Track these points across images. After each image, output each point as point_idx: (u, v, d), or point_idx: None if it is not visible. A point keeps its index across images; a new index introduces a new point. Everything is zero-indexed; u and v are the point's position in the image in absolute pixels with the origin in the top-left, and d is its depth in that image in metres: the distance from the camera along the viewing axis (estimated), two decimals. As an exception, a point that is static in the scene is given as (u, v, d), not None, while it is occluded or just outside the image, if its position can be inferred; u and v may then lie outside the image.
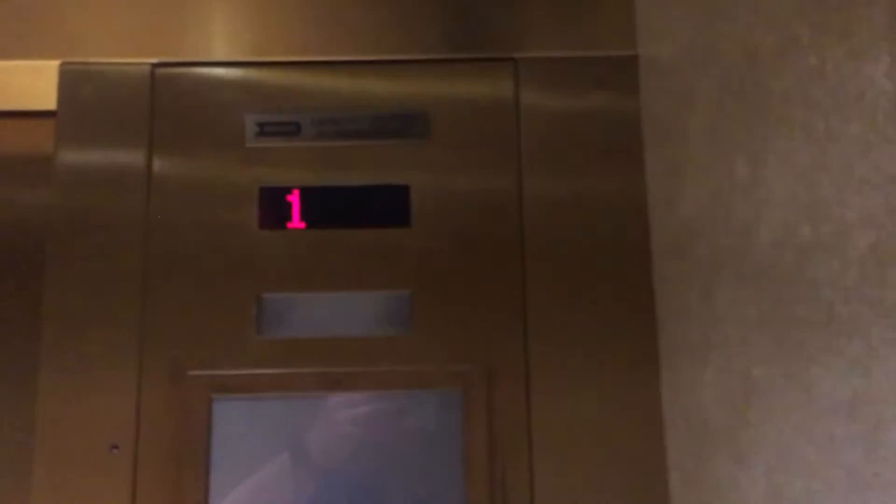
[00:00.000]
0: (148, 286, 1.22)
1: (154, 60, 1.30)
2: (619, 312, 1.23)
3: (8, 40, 1.30)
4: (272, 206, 1.25)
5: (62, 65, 1.30)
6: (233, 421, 1.20)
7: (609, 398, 1.21)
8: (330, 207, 1.26)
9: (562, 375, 1.22)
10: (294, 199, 1.26)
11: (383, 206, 1.26)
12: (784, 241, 0.79)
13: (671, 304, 1.14)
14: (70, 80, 1.30)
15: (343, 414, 1.19)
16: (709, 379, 0.99)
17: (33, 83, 1.34)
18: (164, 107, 1.29)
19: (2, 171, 1.39)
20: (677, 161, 1.09)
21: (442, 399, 1.20)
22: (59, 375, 1.19)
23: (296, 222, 1.25)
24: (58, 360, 1.19)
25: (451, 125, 1.29)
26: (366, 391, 1.20)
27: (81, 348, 1.20)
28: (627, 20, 1.31)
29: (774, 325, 0.81)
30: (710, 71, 0.97)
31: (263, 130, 1.28)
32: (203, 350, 1.21)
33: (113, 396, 1.19)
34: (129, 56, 1.31)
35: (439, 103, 1.29)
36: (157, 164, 1.27)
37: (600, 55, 1.31)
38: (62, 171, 1.26)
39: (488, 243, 1.25)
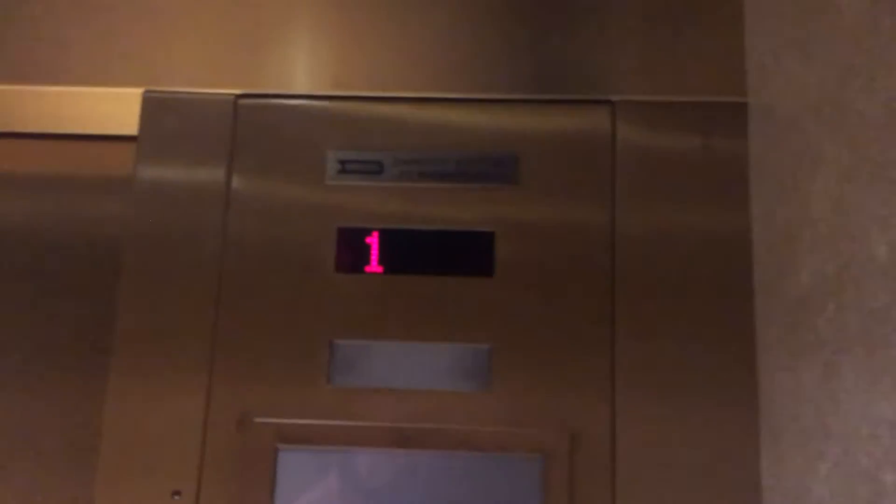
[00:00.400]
0: (219, 325, 1.18)
1: (237, 91, 1.27)
2: (717, 374, 1.13)
3: (92, 67, 1.27)
4: (350, 247, 1.20)
5: (145, 93, 1.27)
6: (298, 471, 1.14)
7: (703, 471, 1.11)
8: (410, 252, 1.19)
9: (651, 442, 1.12)
10: (373, 241, 1.20)
11: (466, 254, 1.19)
12: (933, 337, 0.69)
13: (779, 378, 1.04)
14: (152, 108, 1.27)
15: (413, 474, 1.12)
16: (823, 474, 0.89)
17: (115, 110, 1.32)
18: (245, 138, 1.25)
19: (83, 190, 1.40)
20: (794, 226, 1.00)
21: (520, 465, 1.12)
22: (123, 417, 1.15)
23: (373, 266, 1.19)
24: (122, 403, 1.15)
25: (541, 169, 1.21)
26: (438, 451, 1.13)
27: (148, 388, 1.16)
28: (736, 65, 1.21)
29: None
30: (840, 135, 0.87)
31: (345, 168, 1.23)
32: (271, 395, 1.16)
33: (178, 440, 1.14)
34: (212, 86, 1.27)
35: (529, 145, 1.22)
36: (235, 196, 1.23)
37: (704, 100, 1.22)
38: (140, 198, 1.23)
39: (575, 296, 1.17)
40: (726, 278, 1.15)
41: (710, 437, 1.11)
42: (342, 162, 1.23)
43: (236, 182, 1.23)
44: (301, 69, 1.28)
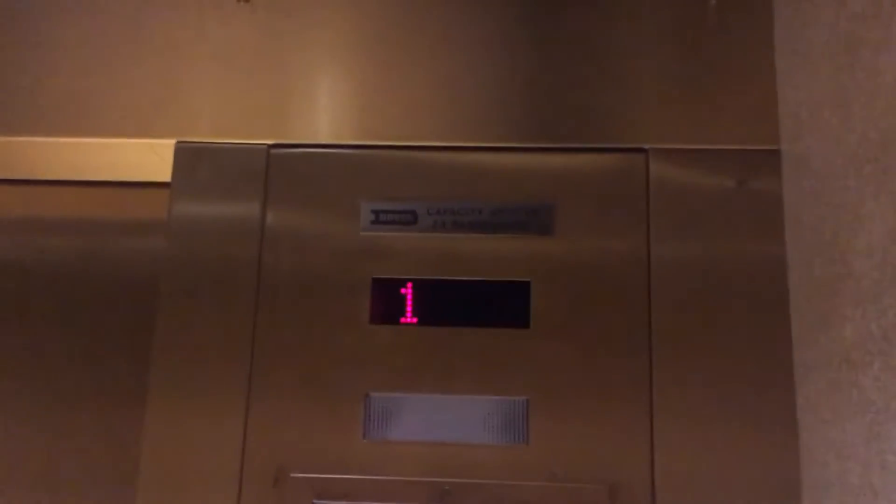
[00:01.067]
0: (254, 378, 1.18)
1: (270, 142, 1.27)
2: (758, 425, 1.12)
3: (125, 119, 1.28)
4: (385, 298, 1.20)
5: (178, 143, 1.28)
6: (335, 526, 1.13)
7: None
8: (445, 303, 1.19)
9: (690, 494, 1.11)
10: (407, 292, 1.20)
11: (502, 305, 1.18)
12: None
13: (821, 433, 1.03)
14: (185, 158, 1.28)
15: (451, 529, 1.11)
16: (874, 535, 0.88)
17: (148, 159, 1.33)
18: (278, 188, 1.25)
19: (114, 233, 1.43)
20: (834, 278, 0.99)
21: (559, 520, 1.11)
22: (158, 469, 1.15)
23: (408, 317, 1.19)
24: (157, 456, 1.15)
25: (576, 218, 1.21)
26: (476, 506, 1.12)
27: (183, 442, 1.16)
28: (769, 114, 1.22)
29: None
30: (884, 195, 0.87)
31: (378, 218, 1.23)
32: (306, 449, 1.15)
33: (213, 495, 1.14)
34: (243, 137, 1.28)
35: (564, 195, 1.22)
36: (269, 246, 1.23)
37: (737, 149, 1.22)
38: (172, 254, 1.24)
39: (611, 346, 1.17)
40: (766, 325, 1.15)
41: (750, 490, 1.10)
42: (376, 212, 1.23)
43: (270, 232, 1.24)
44: (332, 119, 1.29)
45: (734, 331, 1.16)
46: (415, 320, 1.19)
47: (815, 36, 1.08)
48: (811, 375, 1.07)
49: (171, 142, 1.28)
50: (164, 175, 1.29)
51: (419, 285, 1.20)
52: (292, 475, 1.13)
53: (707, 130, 1.23)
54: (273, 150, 1.27)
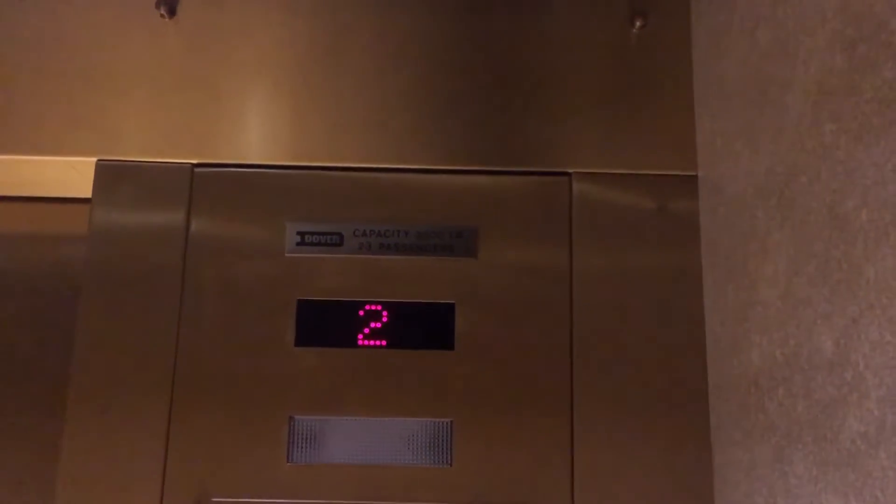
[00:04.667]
0: (175, 401, 1.16)
1: (194, 161, 1.26)
2: (675, 447, 1.15)
3: (45, 137, 1.26)
4: (310, 320, 1.20)
5: (98, 161, 1.26)
6: (257, 551, 1.13)
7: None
8: (370, 325, 1.20)
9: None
10: (332, 314, 1.20)
11: (426, 327, 1.19)
12: (878, 438, 0.72)
13: (731, 453, 1.07)
14: (106, 176, 1.26)
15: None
16: (777, 554, 0.91)
17: (67, 176, 1.31)
18: (201, 208, 1.24)
19: (37, 248, 1.40)
20: (744, 304, 1.03)
21: (481, 541, 1.12)
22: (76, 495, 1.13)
23: (333, 340, 1.19)
24: (75, 488, 1.13)
25: (500, 241, 1.23)
26: (399, 528, 1.13)
27: (100, 475, 1.14)
28: (687, 141, 1.25)
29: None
30: (787, 227, 0.91)
31: (304, 240, 1.23)
32: (230, 473, 1.14)
33: (132, 521, 1.12)
34: (167, 156, 1.26)
35: (489, 218, 1.24)
36: (191, 268, 1.22)
37: (657, 174, 1.26)
38: (91, 271, 1.21)
39: (534, 368, 1.19)
40: (685, 346, 1.18)
41: (666, 507, 1.14)
42: (301, 234, 1.23)
43: (193, 251, 1.22)
44: (258, 139, 1.28)
45: (654, 351, 1.19)
46: (340, 342, 1.19)
47: (729, 69, 1.12)
48: (723, 397, 1.11)
49: (92, 160, 1.26)
50: (85, 191, 1.27)
51: (344, 307, 1.20)
52: (214, 499, 1.13)
53: (628, 155, 1.26)
54: (197, 170, 1.26)
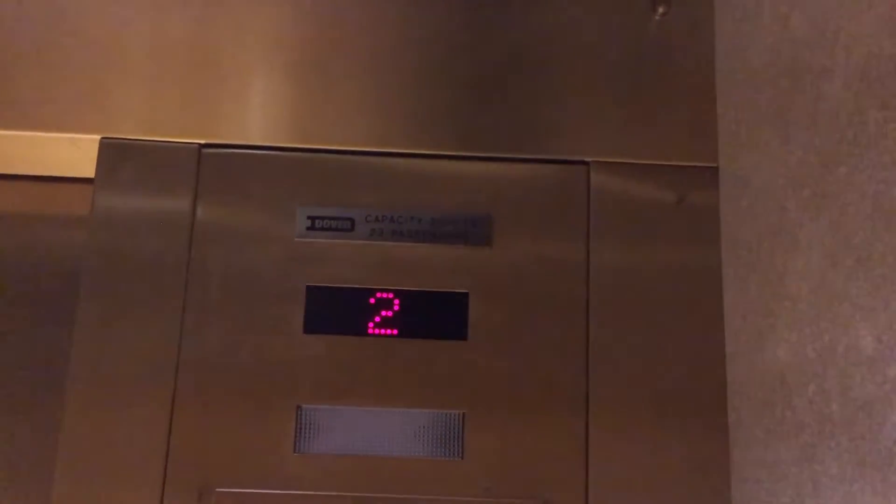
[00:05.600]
0: (179, 387, 1.12)
1: (202, 141, 1.22)
2: (692, 442, 1.12)
3: (48, 113, 1.21)
4: (319, 307, 1.16)
5: (103, 139, 1.22)
6: (261, 543, 1.09)
7: (673, 541, 1.10)
8: (381, 314, 1.16)
9: (624, 510, 1.11)
10: (343, 301, 1.16)
11: (439, 316, 1.16)
12: (924, 437, 0.70)
13: (753, 452, 1.04)
14: (110, 155, 1.22)
15: (383, 546, 1.09)
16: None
17: (71, 155, 1.26)
18: (209, 190, 1.20)
19: (40, 229, 1.35)
20: (770, 299, 1.00)
21: (493, 537, 1.09)
22: (74, 491, 1.09)
23: (343, 327, 1.16)
24: (72, 490, 1.09)
25: (515, 229, 1.20)
26: (409, 522, 1.10)
27: (100, 463, 1.10)
28: (709, 131, 1.23)
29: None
30: (823, 220, 0.88)
31: (315, 225, 1.19)
32: (234, 463, 1.11)
33: (134, 510, 1.09)
34: (174, 135, 1.22)
35: (504, 205, 1.21)
36: (198, 252, 1.18)
37: (677, 164, 1.23)
38: (94, 253, 1.17)
39: (549, 360, 1.15)
40: (704, 339, 1.16)
41: (681, 505, 1.11)
42: (312, 218, 1.19)
43: (200, 234, 1.18)
44: (269, 120, 1.24)
45: (671, 343, 1.16)
46: (350, 330, 1.16)
47: (757, 57, 1.09)
48: (744, 393, 1.08)
49: (96, 137, 1.22)
50: (88, 171, 1.23)
51: (355, 294, 1.17)
52: (218, 490, 1.09)
53: (648, 145, 1.23)
54: (205, 150, 1.22)
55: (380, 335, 1.15)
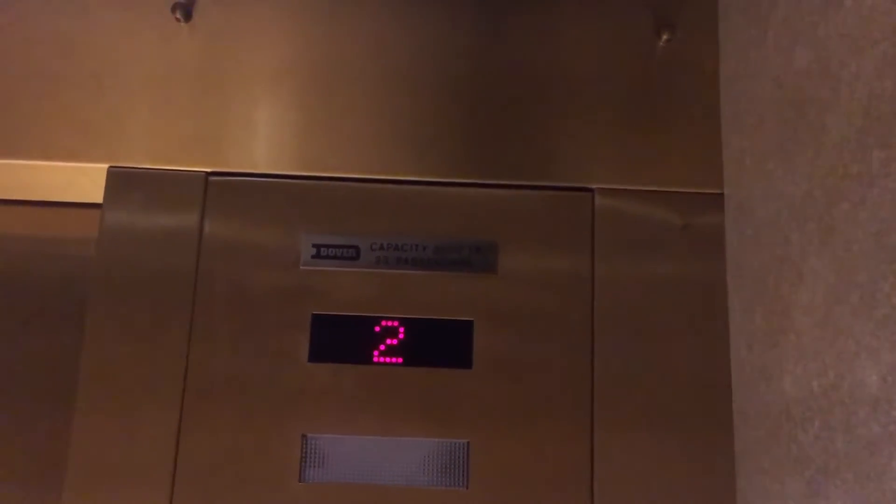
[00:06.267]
0: (185, 415, 1.13)
1: (208, 169, 1.23)
2: (698, 469, 1.12)
3: (56, 143, 1.22)
4: (324, 336, 1.16)
5: (110, 168, 1.23)
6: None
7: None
8: (386, 342, 1.17)
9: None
10: (348, 330, 1.17)
11: (444, 345, 1.16)
12: (929, 481, 0.69)
13: (758, 482, 1.04)
14: (118, 183, 1.23)
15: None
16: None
17: (78, 181, 1.27)
18: (215, 218, 1.21)
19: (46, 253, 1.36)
20: (775, 330, 1.00)
21: (498, 567, 1.09)
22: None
23: (348, 356, 1.16)
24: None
25: (520, 256, 1.20)
26: (414, 551, 1.10)
27: (106, 493, 1.10)
28: (713, 158, 1.22)
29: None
30: (826, 254, 0.88)
31: (320, 253, 1.20)
32: (240, 492, 1.11)
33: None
34: (180, 163, 1.23)
35: (509, 233, 1.21)
36: (204, 278, 1.18)
37: (682, 191, 1.23)
38: (102, 279, 1.18)
39: (553, 388, 1.15)
40: (709, 368, 1.15)
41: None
42: (317, 246, 1.20)
43: (206, 262, 1.19)
44: (275, 148, 1.25)
45: (677, 371, 1.16)
46: (355, 359, 1.16)
47: (761, 87, 1.09)
48: (750, 423, 1.08)
49: (104, 166, 1.23)
50: (96, 197, 1.24)
51: (360, 322, 1.17)
52: (224, 520, 1.09)
53: (653, 172, 1.23)
54: (212, 178, 1.23)
55: (385, 363, 1.16)
